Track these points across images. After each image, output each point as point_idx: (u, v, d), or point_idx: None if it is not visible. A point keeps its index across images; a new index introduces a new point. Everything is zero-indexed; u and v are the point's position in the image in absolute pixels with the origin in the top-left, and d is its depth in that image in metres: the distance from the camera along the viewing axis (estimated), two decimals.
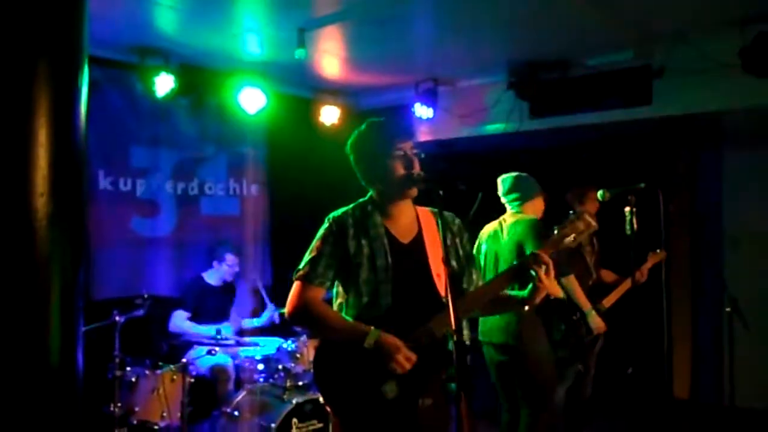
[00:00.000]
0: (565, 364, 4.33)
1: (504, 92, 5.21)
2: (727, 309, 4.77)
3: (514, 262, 2.25)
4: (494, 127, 5.45)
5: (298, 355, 4.08)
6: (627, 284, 4.30)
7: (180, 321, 4.43)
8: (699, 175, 5.75)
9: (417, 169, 2.18)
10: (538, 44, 4.67)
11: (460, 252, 2.35)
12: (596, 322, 4.14)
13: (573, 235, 2.18)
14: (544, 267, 2.08)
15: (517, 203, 3.75)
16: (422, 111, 5.49)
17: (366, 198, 2.34)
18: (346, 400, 2.13)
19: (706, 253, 5.64)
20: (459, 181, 2.01)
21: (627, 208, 2.97)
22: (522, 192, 3.75)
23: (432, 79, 5.51)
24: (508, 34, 4.46)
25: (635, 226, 2.97)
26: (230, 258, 4.68)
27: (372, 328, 2.08)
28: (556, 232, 2.19)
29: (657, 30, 4.36)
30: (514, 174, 3.82)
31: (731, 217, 5.55)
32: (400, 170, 2.18)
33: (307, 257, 2.25)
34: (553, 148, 6.15)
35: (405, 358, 2.04)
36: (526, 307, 2.21)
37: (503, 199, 3.83)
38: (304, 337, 4.15)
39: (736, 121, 5.02)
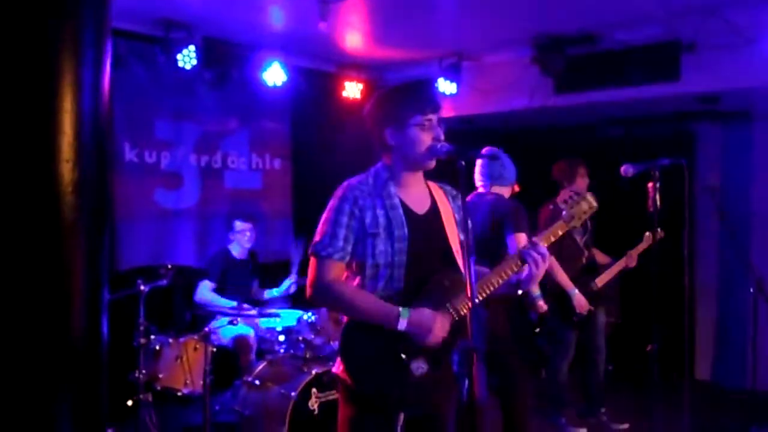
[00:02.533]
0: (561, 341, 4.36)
1: (528, 67, 5.14)
2: (751, 290, 4.71)
3: (519, 249, 2.22)
4: (518, 103, 5.39)
5: (318, 327, 4.12)
6: (620, 265, 4.32)
7: (205, 292, 4.49)
8: (728, 153, 5.64)
9: (442, 140, 2.14)
10: (565, 18, 4.58)
11: (468, 226, 2.31)
12: (580, 301, 4.15)
13: (577, 216, 2.21)
14: (540, 257, 2.12)
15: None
16: (446, 86, 5.45)
17: (379, 165, 2.25)
18: (372, 378, 2.07)
19: (733, 232, 5.54)
20: (483, 153, 1.98)
21: (650, 185, 2.92)
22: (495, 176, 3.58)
23: (456, 54, 5.46)
24: (534, 7, 4.38)
25: (659, 203, 2.92)
26: (239, 224, 4.70)
27: (401, 309, 2.02)
28: (564, 213, 2.20)
29: (687, 3, 4.25)
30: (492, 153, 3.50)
31: (759, 195, 5.43)
32: (428, 140, 2.12)
33: (324, 230, 2.12)
34: (577, 125, 6.08)
35: (441, 329, 2.02)
36: (519, 291, 2.28)
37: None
38: (324, 310, 4.19)
39: (766, 96, 4.90)
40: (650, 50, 4.65)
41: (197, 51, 4.67)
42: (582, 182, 4.39)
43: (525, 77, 5.21)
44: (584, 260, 4.33)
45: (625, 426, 4.50)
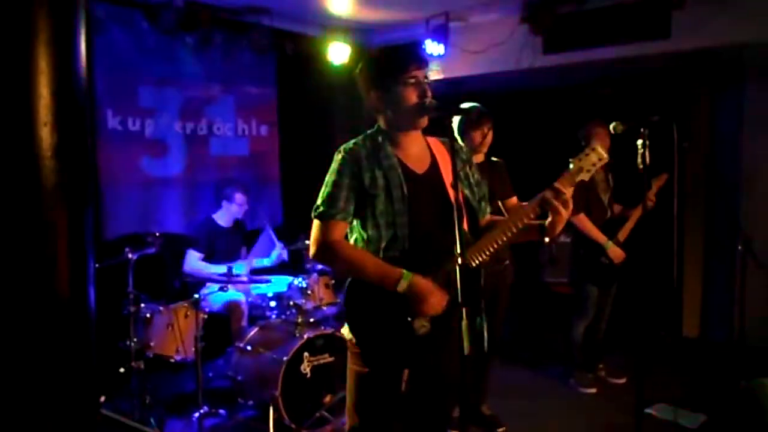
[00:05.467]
0: (585, 299, 4.39)
1: (517, 27, 5.07)
2: (740, 248, 4.76)
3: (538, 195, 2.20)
4: (506, 64, 5.33)
5: (309, 292, 4.12)
6: (637, 213, 4.32)
7: (194, 261, 4.47)
8: (717, 113, 5.62)
9: (430, 97, 2.12)
10: None
11: (472, 180, 2.32)
12: (615, 252, 4.22)
13: (587, 169, 2.17)
14: (563, 200, 2.10)
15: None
16: (433, 48, 5.37)
17: (374, 129, 2.28)
18: (376, 335, 2.13)
19: (722, 191, 5.57)
20: (470, 108, 1.97)
21: (639, 141, 2.89)
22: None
23: (443, 15, 5.36)
24: None
25: (647, 159, 2.90)
26: (239, 197, 4.67)
27: (404, 271, 2.05)
28: (571, 165, 2.18)
29: None
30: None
31: (750, 155, 5.44)
32: (413, 98, 2.12)
33: (325, 193, 2.18)
34: (566, 86, 6.03)
35: (438, 301, 2.05)
36: (546, 239, 2.24)
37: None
38: (315, 275, 4.19)
39: (758, 55, 4.86)
40: (640, 8, 4.59)
41: (179, 14, 4.55)
42: (602, 142, 4.34)
43: (514, 38, 5.15)
44: (608, 218, 4.37)
45: (622, 380, 4.58)
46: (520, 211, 2.18)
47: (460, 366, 1.83)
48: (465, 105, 3.64)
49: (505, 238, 2.15)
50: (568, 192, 2.11)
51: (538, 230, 2.22)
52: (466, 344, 1.73)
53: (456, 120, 3.57)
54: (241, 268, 4.45)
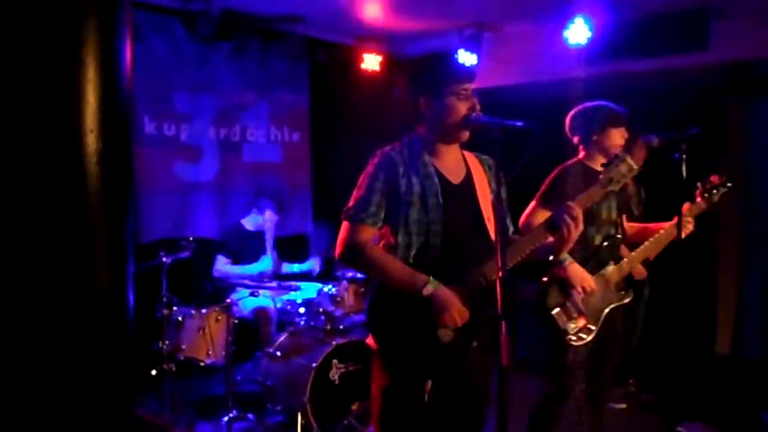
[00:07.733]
0: None
1: (552, 37, 5.03)
2: None
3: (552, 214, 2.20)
4: (540, 75, 5.29)
5: (338, 299, 4.13)
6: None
7: (222, 266, 4.51)
8: (754, 126, 5.51)
9: (478, 110, 2.14)
10: None
11: (502, 196, 2.31)
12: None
13: (617, 179, 2.18)
14: (572, 221, 2.07)
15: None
16: (466, 58, 5.37)
17: (412, 136, 2.27)
18: (399, 342, 2.13)
19: (757, 205, 5.45)
20: (517, 121, 1.95)
21: (677, 156, 2.84)
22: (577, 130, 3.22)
23: (477, 25, 5.36)
24: None
25: (684, 174, 2.85)
26: (269, 214, 4.68)
27: (430, 277, 2.06)
28: (601, 176, 2.17)
29: None
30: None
31: None
32: (462, 110, 2.13)
33: (357, 195, 2.18)
34: (604, 97, 5.96)
35: (458, 313, 2.05)
36: (551, 257, 2.28)
37: None
38: (344, 282, 4.20)
39: None
40: (678, 19, 4.53)
41: (216, 22, 4.63)
42: (640, 154, 4.14)
43: (548, 48, 5.12)
44: None
45: (653, 397, 4.50)
46: (537, 232, 2.18)
47: (497, 379, 1.80)
48: (593, 103, 3.27)
49: (519, 258, 2.15)
50: (578, 210, 2.09)
51: (546, 250, 2.23)
52: (504, 356, 1.71)
53: (593, 113, 3.23)
54: (268, 262, 4.47)
